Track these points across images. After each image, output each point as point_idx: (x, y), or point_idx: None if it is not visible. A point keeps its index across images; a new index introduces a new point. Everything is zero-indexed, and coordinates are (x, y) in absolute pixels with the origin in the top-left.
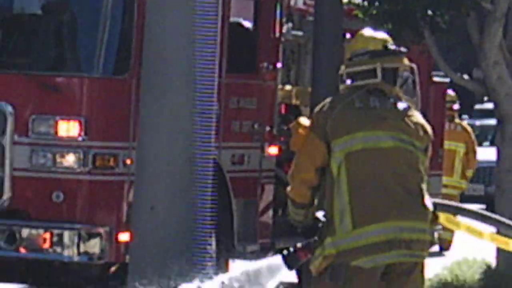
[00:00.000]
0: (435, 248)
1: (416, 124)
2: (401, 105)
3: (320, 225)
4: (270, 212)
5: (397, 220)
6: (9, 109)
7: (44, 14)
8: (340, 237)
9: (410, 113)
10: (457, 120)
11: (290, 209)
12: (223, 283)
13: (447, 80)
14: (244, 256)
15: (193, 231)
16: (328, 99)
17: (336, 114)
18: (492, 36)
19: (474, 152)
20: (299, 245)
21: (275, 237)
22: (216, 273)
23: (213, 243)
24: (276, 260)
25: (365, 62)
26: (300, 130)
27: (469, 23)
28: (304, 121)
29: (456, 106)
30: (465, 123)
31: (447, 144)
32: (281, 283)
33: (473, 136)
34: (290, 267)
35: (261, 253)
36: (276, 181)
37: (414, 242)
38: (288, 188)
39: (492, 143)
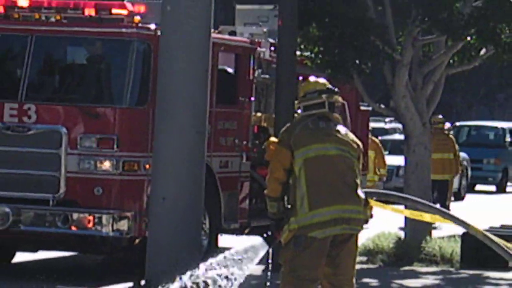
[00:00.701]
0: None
1: (352, 140)
2: (340, 127)
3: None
4: (247, 201)
5: (340, 204)
6: (64, 130)
7: (88, 63)
8: (300, 216)
9: (346, 132)
10: (370, 136)
11: (268, 206)
12: (225, 257)
13: (370, 108)
14: (229, 231)
15: (193, 215)
16: (288, 124)
17: (297, 133)
18: (401, 78)
19: (382, 157)
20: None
21: (250, 218)
22: (209, 244)
23: (207, 222)
24: (258, 241)
25: (315, 98)
26: (271, 146)
27: (385, 69)
28: (274, 140)
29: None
30: (374, 138)
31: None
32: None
33: (380, 146)
34: (269, 245)
35: (241, 229)
36: (251, 179)
37: (352, 219)
38: (265, 190)
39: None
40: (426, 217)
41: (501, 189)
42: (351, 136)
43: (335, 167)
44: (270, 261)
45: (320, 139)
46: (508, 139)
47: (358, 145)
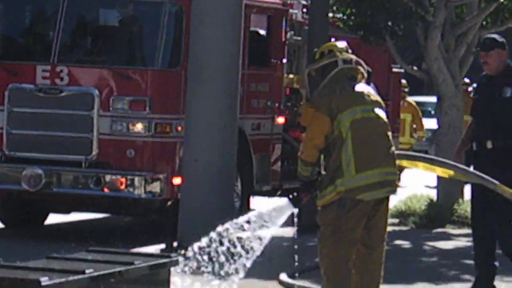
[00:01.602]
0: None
1: (375, 96)
2: (366, 87)
3: (319, 179)
4: (279, 163)
5: (383, 167)
6: (96, 92)
7: (120, 26)
8: (347, 179)
9: (367, 90)
10: (407, 99)
11: (300, 169)
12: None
13: (402, 70)
14: (261, 193)
15: (226, 177)
16: (321, 89)
17: (338, 96)
18: (433, 39)
19: (420, 119)
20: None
21: (282, 180)
22: (241, 206)
23: (239, 184)
24: (284, 202)
25: (348, 54)
26: (309, 111)
27: (417, 30)
28: (310, 104)
29: (406, 90)
30: (410, 99)
31: (401, 116)
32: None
33: (418, 109)
34: (295, 206)
35: (273, 191)
36: (283, 141)
37: (392, 181)
38: (299, 153)
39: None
40: (457, 175)
41: None
42: (376, 96)
43: (377, 128)
44: (296, 223)
45: (360, 101)
46: None
47: (382, 105)
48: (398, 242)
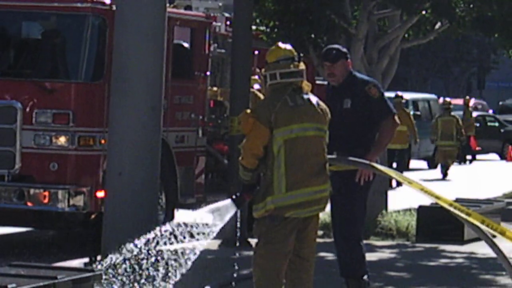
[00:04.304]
0: None
1: (323, 109)
2: (312, 98)
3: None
4: (203, 176)
5: (314, 186)
6: (19, 105)
7: (43, 38)
8: (277, 197)
9: (318, 103)
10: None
11: (240, 173)
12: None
13: (325, 82)
14: (185, 206)
15: (149, 190)
16: (264, 98)
17: (277, 110)
18: (356, 52)
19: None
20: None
21: (206, 193)
22: (165, 219)
23: (163, 197)
24: (227, 202)
25: (288, 66)
26: (250, 120)
27: (340, 43)
28: (250, 113)
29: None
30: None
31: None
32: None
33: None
34: (238, 206)
35: (197, 204)
36: (207, 154)
37: (322, 199)
38: (240, 158)
39: None
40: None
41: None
42: (322, 105)
43: (312, 148)
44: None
45: (300, 118)
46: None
47: (327, 113)
48: (322, 254)
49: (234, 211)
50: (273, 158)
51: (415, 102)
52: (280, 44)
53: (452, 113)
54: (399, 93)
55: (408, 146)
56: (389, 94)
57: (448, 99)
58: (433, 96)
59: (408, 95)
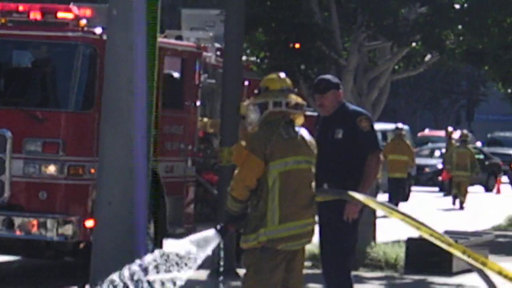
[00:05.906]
0: None
1: (312, 142)
2: (304, 132)
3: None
4: (192, 206)
5: (305, 219)
6: (8, 134)
7: (33, 67)
8: (270, 229)
9: (308, 137)
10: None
11: (229, 204)
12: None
13: (315, 113)
14: (174, 236)
15: (138, 219)
16: (259, 130)
17: (273, 143)
18: (346, 83)
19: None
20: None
21: (196, 223)
22: (154, 248)
23: (152, 227)
24: (210, 233)
25: (282, 96)
26: (243, 152)
27: (331, 74)
28: (244, 144)
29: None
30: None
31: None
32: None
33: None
34: (221, 236)
35: (186, 234)
36: (197, 184)
37: (309, 232)
38: (230, 189)
39: None
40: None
41: None
42: (311, 139)
43: (304, 181)
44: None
45: (294, 151)
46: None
47: (315, 146)
48: (311, 285)
49: (217, 241)
50: (268, 190)
51: (384, 133)
52: (281, 74)
53: (468, 146)
54: (400, 125)
55: (407, 175)
56: (384, 126)
57: (465, 131)
58: (405, 126)
59: (378, 126)
